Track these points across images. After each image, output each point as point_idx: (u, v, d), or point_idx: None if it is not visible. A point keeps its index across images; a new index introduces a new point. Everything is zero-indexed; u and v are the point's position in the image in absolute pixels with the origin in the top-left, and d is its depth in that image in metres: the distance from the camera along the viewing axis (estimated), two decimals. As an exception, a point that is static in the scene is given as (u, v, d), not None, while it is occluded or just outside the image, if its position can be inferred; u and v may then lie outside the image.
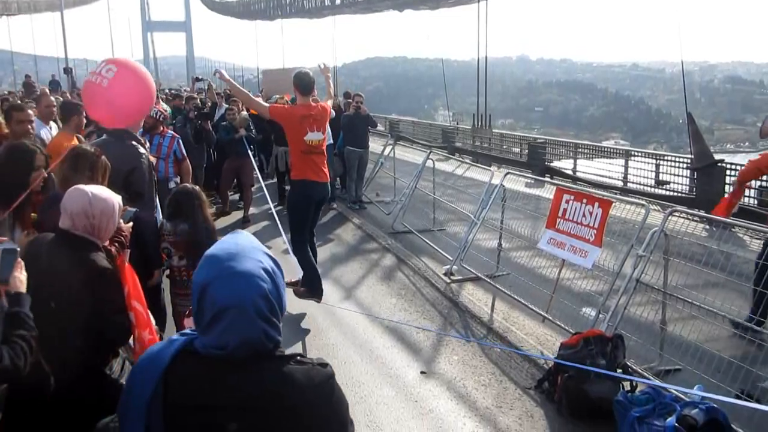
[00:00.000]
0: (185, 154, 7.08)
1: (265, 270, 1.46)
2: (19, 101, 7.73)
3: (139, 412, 1.44)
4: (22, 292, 2.20)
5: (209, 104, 11.45)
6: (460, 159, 15.96)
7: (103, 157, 3.34)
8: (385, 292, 6.87)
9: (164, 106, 7.81)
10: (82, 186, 2.62)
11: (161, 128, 6.98)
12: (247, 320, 1.41)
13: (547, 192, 6.92)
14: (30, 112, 4.95)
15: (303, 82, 5.73)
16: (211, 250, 1.49)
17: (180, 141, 7.02)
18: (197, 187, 4.49)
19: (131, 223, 3.17)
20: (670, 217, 4.84)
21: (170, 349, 1.48)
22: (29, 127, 4.95)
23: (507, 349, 5.26)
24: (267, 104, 5.82)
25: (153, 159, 6.81)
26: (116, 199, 2.67)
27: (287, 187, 10.97)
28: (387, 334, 5.63)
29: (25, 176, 3.22)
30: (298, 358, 1.49)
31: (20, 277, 2.21)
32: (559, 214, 5.64)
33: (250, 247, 1.50)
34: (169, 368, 1.44)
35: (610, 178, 13.53)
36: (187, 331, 1.56)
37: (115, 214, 2.64)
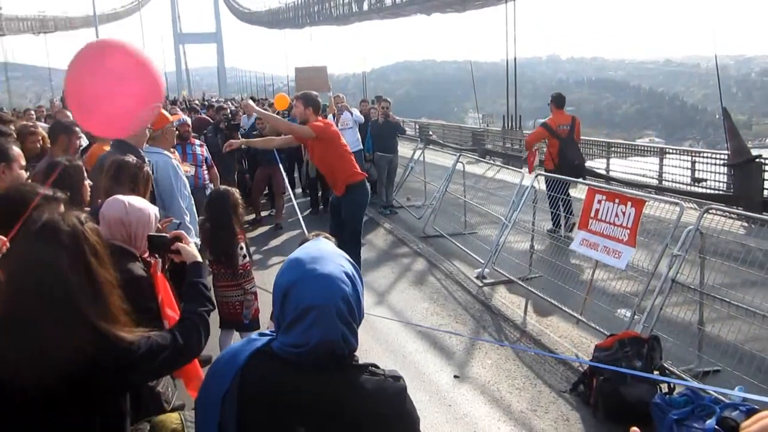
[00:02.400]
0: (213, 161, 7.30)
1: (347, 274, 1.50)
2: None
3: (214, 407, 1.48)
4: (201, 261, 2.27)
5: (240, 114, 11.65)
6: (491, 162, 15.86)
7: (146, 168, 3.41)
8: (417, 296, 6.86)
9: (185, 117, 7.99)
10: (119, 196, 2.69)
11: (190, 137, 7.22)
12: (329, 320, 1.43)
13: (579, 192, 6.85)
14: (77, 129, 5.10)
15: (318, 104, 6.04)
16: (295, 254, 1.54)
17: (206, 148, 7.26)
18: (231, 189, 4.60)
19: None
20: (706, 215, 4.75)
21: (248, 347, 1.52)
22: (77, 143, 5.08)
23: (541, 353, 5.21)
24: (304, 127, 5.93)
25: (191, 168, 6.99)
26: (152, 210, 2.73)
27: (320, 193, 11.10)
28: (419, 338, 5.63)
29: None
30: (371, 368, 1.51)
31: (192, 251, 2.28)
32: (592, 215, 5.57)
33: (332, 251, 1.56)
34: (246, 366, 1.48)
35: (644, 176, 13.29)
36: (266, 331, 1.60)
37: (151, 224, 2.70)
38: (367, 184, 6.22)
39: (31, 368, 1.72)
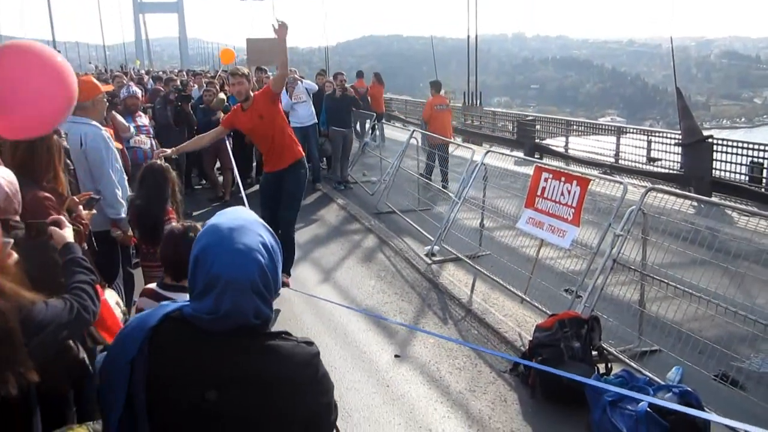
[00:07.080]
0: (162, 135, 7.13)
1: (264, 245, 1.45)
2: None
3: (122, 372, 1.42)
4: (70, 241, 2.27)
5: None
6: (448, 139, 15.72)
7: (55, 137, 3.16)
8: (364, 273, 6.74)
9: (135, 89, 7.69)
10: None
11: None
12: (242, 291, 1.40)
13: (528, 169, 6.78)
14: None
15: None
16: (213, 219, 1.49)
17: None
18: (166, 165, 4.36)
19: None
20: (651, 195, 4.69)
21: (158, 312, 1.48)
22: None
23: (472, 346, 5.15)
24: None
25: (147, 140, 6.76)
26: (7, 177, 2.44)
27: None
28: (363, 317, 5.51)
29: None
30: (284, 335, 1.49)
31: (63, 233, 2.28)
32: (538, 193, 5.50)
33: (252, 220, 1.50)
34: (155, 330, 1.44)
35: (601, 155, 13.33)
36: (181, 302, 1.55)
37: (9, 195, 2.41)
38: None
39: None
